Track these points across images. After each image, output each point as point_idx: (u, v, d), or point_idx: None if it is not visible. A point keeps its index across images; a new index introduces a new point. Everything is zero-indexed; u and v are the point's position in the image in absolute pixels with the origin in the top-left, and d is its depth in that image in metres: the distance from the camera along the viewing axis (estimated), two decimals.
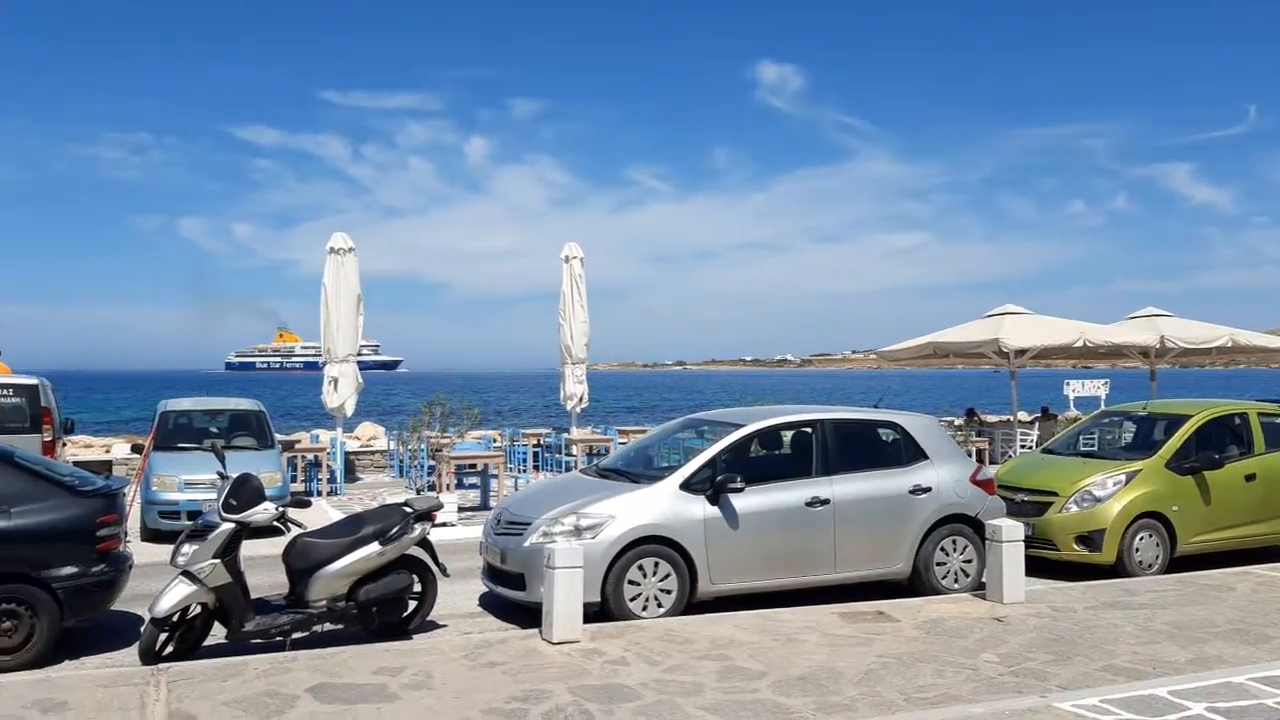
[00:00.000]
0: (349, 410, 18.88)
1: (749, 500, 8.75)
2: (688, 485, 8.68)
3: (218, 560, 7.25)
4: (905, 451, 9.62)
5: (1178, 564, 10.61)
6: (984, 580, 9.17)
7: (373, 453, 21.65)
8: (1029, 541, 10.46)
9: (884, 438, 9.82)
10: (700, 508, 8.61)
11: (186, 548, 7.29)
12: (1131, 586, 9.65)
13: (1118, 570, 10.26)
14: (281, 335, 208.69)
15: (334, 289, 18.56)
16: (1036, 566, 10.62)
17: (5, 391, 12.99)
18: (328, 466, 17.37)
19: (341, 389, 18.67)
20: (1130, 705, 6.23)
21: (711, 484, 8.66)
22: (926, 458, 9.60)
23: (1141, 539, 10.37)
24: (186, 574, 7.24)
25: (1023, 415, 27.64)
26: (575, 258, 20.24)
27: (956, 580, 9.48)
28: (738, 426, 9.25)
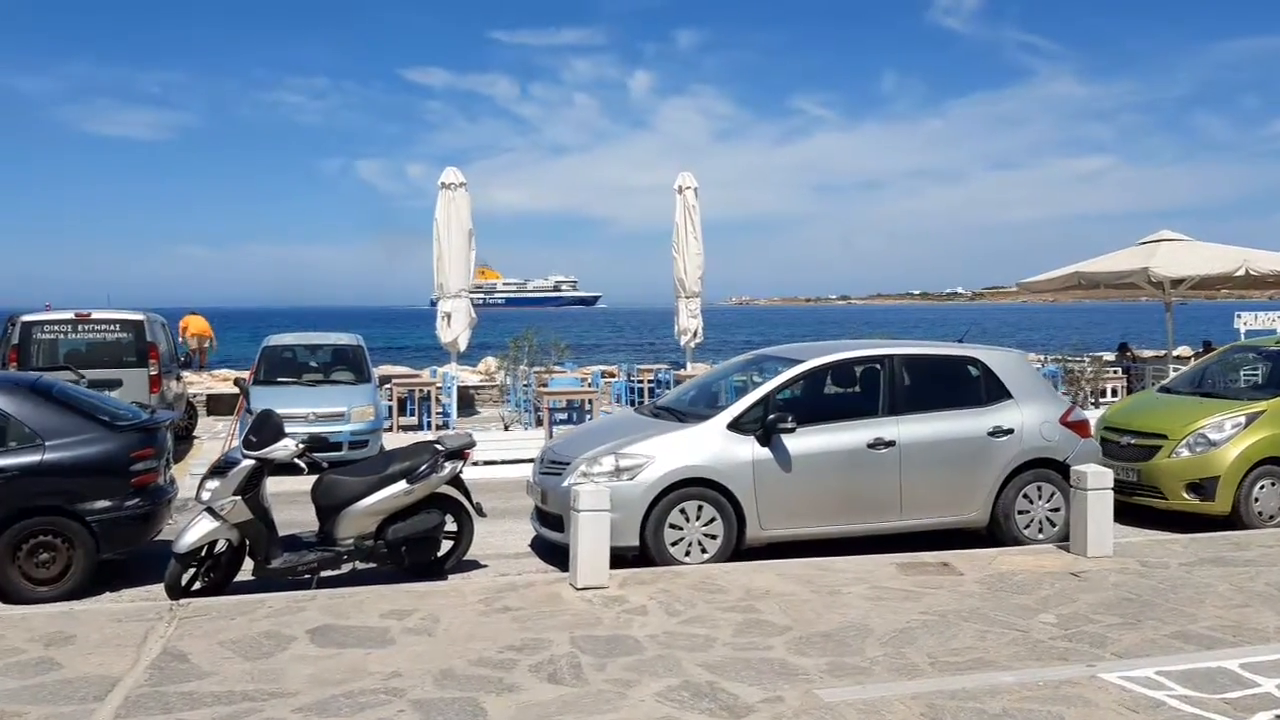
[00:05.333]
0: (462, 345, 18.95)
1: (803, 441, 8.19)
2: (736, 425, 8.19)
3: (238, 497, 7.20)
4: (986, 390, 8.85)
5: None
6: None
7: (493, 386, 21.74)
8: (1135, 488, 9.66)
9: (962, 375, 9.03)
10: (749, 449, 8.10)
11: (210, 484, 7.26)
12: (1242, 540, 8.65)
13: (1233, 522, 9.26)
14: (483, 272, 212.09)
15: (445, 224, 18.54)
16: (1145, 516, 9.76)
17: (112, 327, 13.41)
18: (438, 400, 17.49)
19: (455, 324, 18.76)
20: (1189, 679, 5.47)
21: (762, 424, 8.13)
22: (1010, 397, 8.81)
23: (1262, 488, 9.32)
24: (209, 510, 7.21)
25: (1185, 350, 25.74)
26: (688, 188, 19.64)
27: (1041, 530, 8.72)
28: (795, 363, 8.66)
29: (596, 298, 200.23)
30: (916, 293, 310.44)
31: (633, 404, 18.72)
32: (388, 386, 17.12)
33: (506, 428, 14.85)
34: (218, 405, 19.22)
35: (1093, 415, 10.64)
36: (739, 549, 8.11)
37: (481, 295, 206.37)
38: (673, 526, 7.96)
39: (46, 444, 7.37)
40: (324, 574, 7.56)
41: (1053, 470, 8.74)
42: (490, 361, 22.93)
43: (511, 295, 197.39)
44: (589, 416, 15.21)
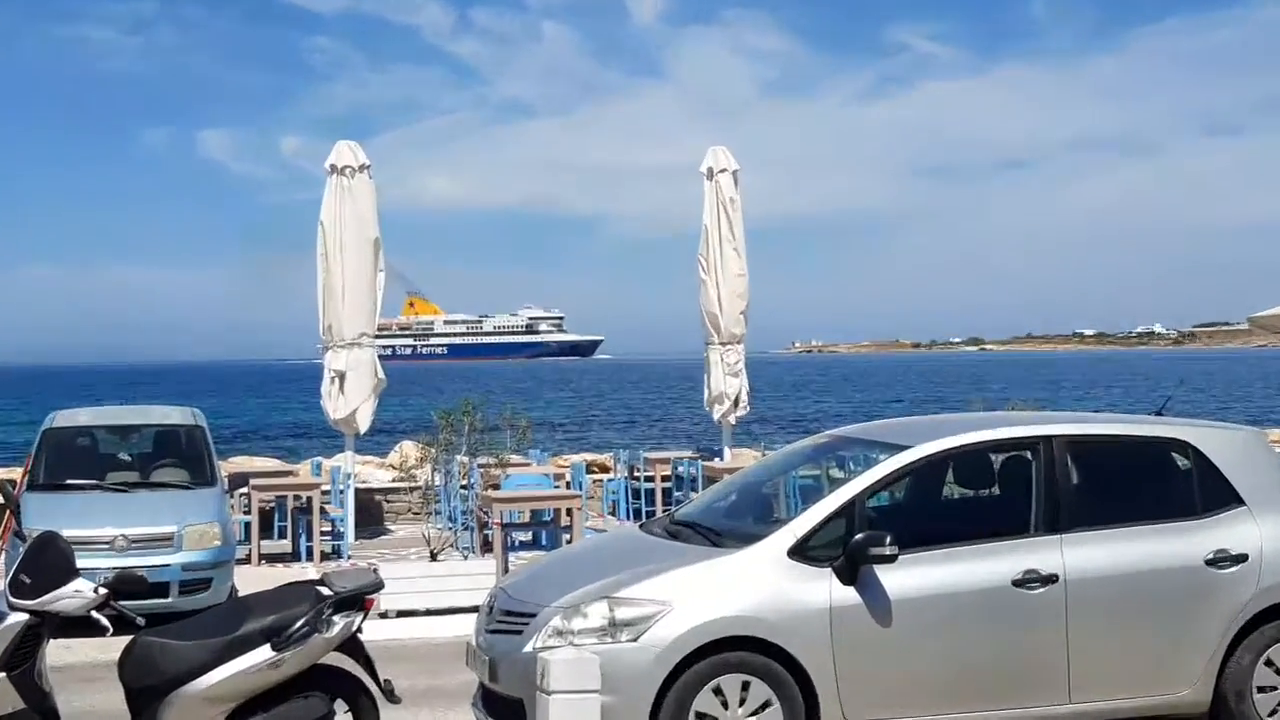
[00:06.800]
0: (363, 424, 18.87)
1: (910, 576, 8.22)
2: (802, 550, 8.22)
3: (2, 674, 7.17)
4: (1203, 492, 8.93)
5: None
6: None
7: (415, 488, 21.71)
8: None
9: (1163, 468, 9.19)
10: (824, 589, 8.13)
11: None
12: None
13: None
14: (413, 304, 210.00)
15: (334, 227, 18.40)
16: None
17: None
18: (324, 512, 17.47)
19: (350, 390, 18.56)
20: None
21: (844, 548, 8.15)
22: (1241, 503, 8.86)
23: None
24: None
25: None
26: (723, 171, 19.79)
27: None
28: (895, 449, 8.73)
29: (595, 343, 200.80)
30: (1089, 333, 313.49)
31: (637, 515, 18.72)
32: (244, 491, 17.18)
33: (434, 556, 14.81)
34: None
35: None
36: None
37: (410, 341, 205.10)
38: (702, 715, 7.94)
39: None
40: None
41: None
42: (409, 449, 23.03)
43: (459, 341, 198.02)
44: (567, 537, 15.21)
